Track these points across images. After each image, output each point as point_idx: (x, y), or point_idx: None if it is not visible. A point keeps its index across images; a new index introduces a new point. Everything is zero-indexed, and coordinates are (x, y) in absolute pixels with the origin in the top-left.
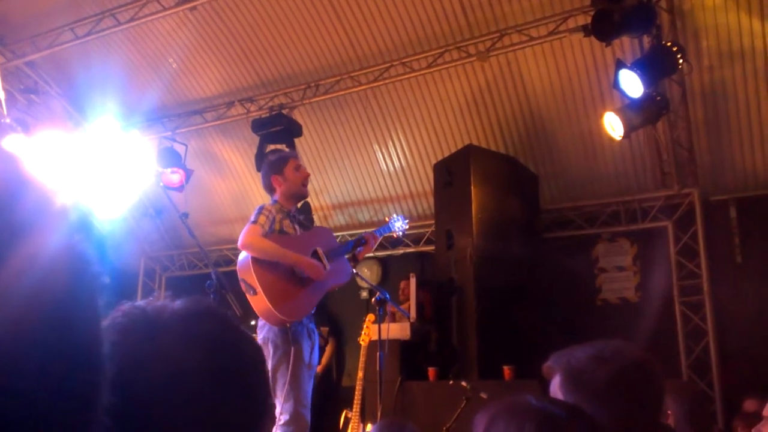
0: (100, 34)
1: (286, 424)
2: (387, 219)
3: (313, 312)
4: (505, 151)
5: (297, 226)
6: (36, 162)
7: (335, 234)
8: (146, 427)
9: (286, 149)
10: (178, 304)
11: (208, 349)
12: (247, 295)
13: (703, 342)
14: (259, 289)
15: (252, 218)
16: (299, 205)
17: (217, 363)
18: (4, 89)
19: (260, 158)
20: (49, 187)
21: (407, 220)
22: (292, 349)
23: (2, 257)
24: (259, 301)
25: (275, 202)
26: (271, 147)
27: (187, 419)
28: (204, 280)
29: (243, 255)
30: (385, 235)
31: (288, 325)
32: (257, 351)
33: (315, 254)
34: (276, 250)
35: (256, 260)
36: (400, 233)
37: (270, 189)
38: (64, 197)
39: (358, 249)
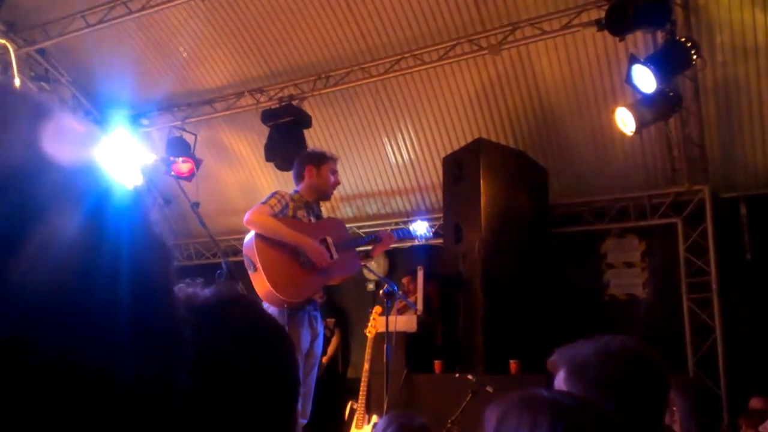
0: (112, 23)
1: None
2: (407, 223)
3: (318, 301)
4: (515, 145)
5: (313, 218)
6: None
7: None
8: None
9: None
10: (209, 291)
11: (238, 337)
12: (249, 272)
13: (710, 339)
14: (258, 265)
15: (263, 200)
16: None
17: (246, 350)
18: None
19: (270, 149)
20: (72, 167)
21: (431, 223)
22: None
23: (16, 243)
24: (258, 279)
25: (296, 192)
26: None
27: (216, 405)
28: (212, 270)
29: (250, 233)
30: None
31: (285, 306)
32: (286, 339)
33: (323, 242)
34: (279, 228)
35: (260, 237)
36: (421, 237)
37: (299, 176)
38: (89, 179)
39: (373, 246)
